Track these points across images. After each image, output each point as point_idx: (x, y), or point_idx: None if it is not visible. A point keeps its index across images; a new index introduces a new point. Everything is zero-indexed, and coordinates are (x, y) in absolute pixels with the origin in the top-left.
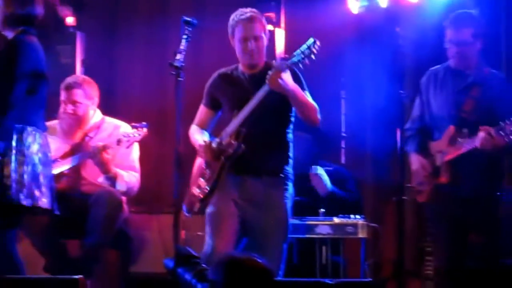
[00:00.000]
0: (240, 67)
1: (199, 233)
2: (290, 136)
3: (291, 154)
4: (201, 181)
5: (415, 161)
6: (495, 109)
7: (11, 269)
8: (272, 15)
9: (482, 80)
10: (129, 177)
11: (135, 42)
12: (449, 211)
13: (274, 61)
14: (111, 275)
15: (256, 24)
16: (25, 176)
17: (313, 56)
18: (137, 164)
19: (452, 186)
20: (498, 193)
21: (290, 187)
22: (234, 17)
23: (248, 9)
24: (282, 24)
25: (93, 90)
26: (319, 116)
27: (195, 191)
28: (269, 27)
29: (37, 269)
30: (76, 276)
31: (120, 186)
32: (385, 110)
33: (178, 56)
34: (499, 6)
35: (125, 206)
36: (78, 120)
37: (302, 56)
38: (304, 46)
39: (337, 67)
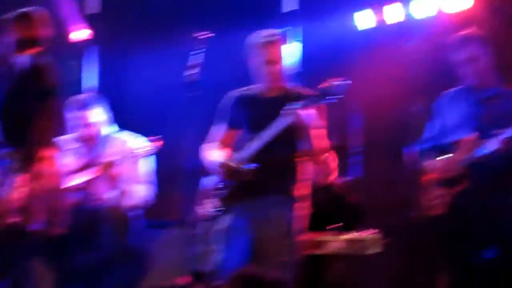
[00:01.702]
0: (258, 88)
1: (210, 247)
2: (299, 161)
3: (302, 177)
4: (214, 201)
5: (437, 162)
6: None
7: None
8: (289, 29)
9: (500, 93)
10: (140, 192)
11: (148, 56)
12: (465, 223)
13: (298, 90)
14: None
15: (277, 48)
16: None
17: (339, 97)
18: (148, 178)
19: (470, 193)
20: None
21: (301, 207)
22: (255, 38)
23: (270, 32)
24: (300, 38)
25: (103, 107)
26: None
27: (207, 209)
28: (289, 41)
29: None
30: None
31: (130, 201)
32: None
33: (193, 71)
34: None
35: (134, 221)
36: (90, 138)
37: (329, 95)
38: (332, 86)
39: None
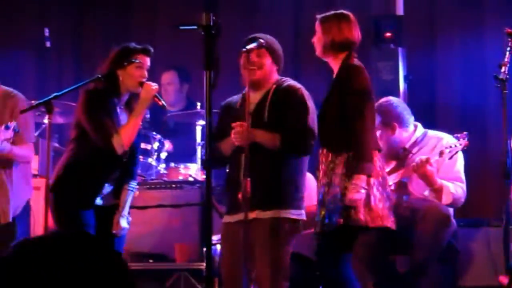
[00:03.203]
0: None
1: None
2: None
3: None
4: None
5: None
6: None
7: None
8: None
9: None
10: (455, 188)
11: (454, 55)
12: None
13: None
14: None
15: None
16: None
17: None
18: (462, 174)
19: None
20: None
21: None
22: None
23: None
24: None
25: (401, 114)
26: None
27: None
28: None
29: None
30: None
31: (446, 198)
32: None
33: (503, 69)
34: None
35: (453, 220)
36: (394, 141)
37: None
38: None
39: None
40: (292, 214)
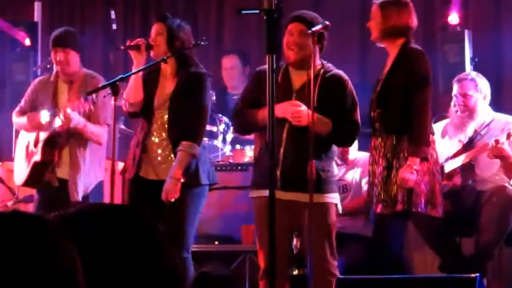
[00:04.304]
0: None
1: None
2: None
3: None
4: None
5: None
6: None
7: (399, 270)
8: None
9: None
10: None
11: None
12: None
13: None
14: (505, 274)
15: None
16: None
17: None
18: None
19: None
20: None
21: None
22: None
23: None
24: None
25: (484, 85)
26: None
27: None
28: None
29: (433, 268)
30: (473, 275)
31: None
32: None
33: None
34: None
35: None
36: (468, 112)
37: None
38: None
39: None
40: (337, 198)
